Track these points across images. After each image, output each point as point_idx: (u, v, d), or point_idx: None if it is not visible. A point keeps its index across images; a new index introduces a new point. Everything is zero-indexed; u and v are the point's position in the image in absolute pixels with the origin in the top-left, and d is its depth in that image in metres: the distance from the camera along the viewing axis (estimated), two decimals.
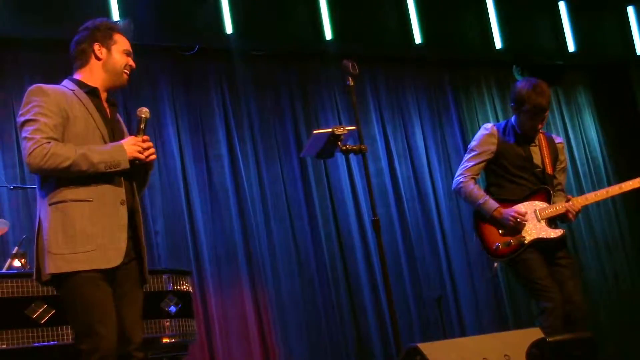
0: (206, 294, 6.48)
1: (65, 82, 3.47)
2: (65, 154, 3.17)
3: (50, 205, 3.23)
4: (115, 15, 6.19)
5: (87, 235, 3.19)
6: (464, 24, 7.98)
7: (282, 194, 7.07)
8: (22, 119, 3.27)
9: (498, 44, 7.98)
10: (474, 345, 3.57)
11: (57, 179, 3.23)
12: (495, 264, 4.76)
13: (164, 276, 4.73)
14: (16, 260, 4.80)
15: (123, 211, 3.31)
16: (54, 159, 3.15)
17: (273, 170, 7.09)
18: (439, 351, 3.39)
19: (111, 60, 3.48)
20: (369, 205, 5.89)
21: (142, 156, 3.33)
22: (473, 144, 4.84)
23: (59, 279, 3.20)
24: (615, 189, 4.86)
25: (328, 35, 7.17)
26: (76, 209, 3.21)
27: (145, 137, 3.37)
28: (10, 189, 5.54)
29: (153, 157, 3.38)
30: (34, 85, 3.35)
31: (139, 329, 3.36)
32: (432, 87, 8.11)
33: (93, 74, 3.47)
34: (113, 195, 3.29)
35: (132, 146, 3.31)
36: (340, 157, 7.11)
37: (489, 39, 7.97)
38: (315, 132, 4.11)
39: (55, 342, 4.19)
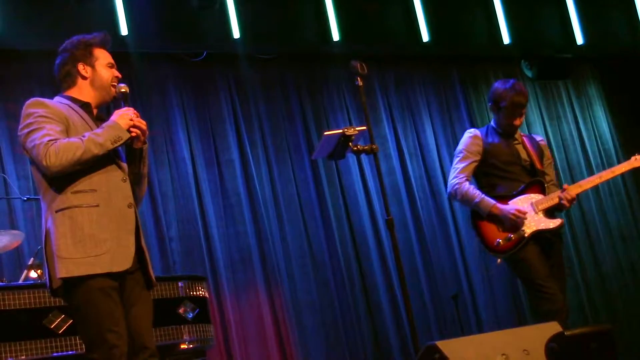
0: (222, 298, 6.49)
1: (58, 98, 3.48)
2: (75, 144, 3.20)
3: (56, 212, 3.23)
4: (123, 24, 6.20)
5: (96, 239, 3.20)
6: (471, 20, 7.95)
7: (295, 196, 7.07)
8: (26, 130, 3.29)
9: (506, 39, 7.94)
10: (493, 341, 3.56)
11: (60, 187, 3.24)
12: (499, 260, 4.79)
13: (179, 283, 4.74)
14: (32, 271, 4.81)
15: (131, 215, 3.33)
16: (67, 153, 3.18)
17: (285, 173, 7.10)
18: (457, 348, 3.38)
19: (97, 76, 3.50)
20: (382, 204, 5.89)
21: (134, 123, 3.33)
22: (460, 147, 4.89)
23: (69, 288, 3.20)
24: (607, 173, 4.88)
25: (335, 36, 7.15)
26: (84, 214, 3.22)
27: (129, 108, 3.40)
28: (24, 200, 5.56)
29: (143, 124, 3.37)
30: (32, 99, 3.38)
31: (151, 334, 3.38)
32: (441, 84, 8.10)
33: (83, 93, 3.49)
34: (120, 199, 3.31)
35: (122, 118, 3.33)
36: (351, 158, 7.10)
37: (496, 34, 7.93)
38: (325, 133, 4.10)
39: (74, 352, 4.21)
